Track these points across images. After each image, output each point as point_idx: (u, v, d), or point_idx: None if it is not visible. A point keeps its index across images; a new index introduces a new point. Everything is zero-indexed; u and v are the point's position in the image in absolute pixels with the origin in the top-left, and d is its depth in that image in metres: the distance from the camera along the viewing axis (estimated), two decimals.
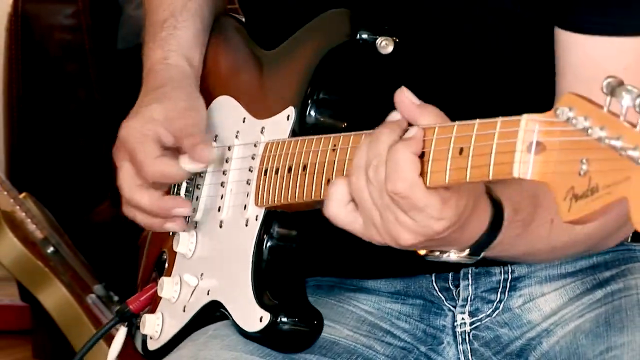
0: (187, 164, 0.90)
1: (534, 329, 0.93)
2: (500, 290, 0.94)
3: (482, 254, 0.78)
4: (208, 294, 0.93)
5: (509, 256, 0.86)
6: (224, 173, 0.94)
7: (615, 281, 0.94)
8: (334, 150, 0.79)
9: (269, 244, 0.87)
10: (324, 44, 0.87)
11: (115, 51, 2.58)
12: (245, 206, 0.90)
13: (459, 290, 0.94)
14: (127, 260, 1.45)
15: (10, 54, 2.63)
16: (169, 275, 0.99)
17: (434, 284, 0.94)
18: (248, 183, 0.90)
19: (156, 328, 0.99)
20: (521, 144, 0.62)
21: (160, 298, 0.99)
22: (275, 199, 0.85)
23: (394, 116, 0.73)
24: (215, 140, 0.97)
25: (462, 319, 0.94)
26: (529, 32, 0.90)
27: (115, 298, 2.09)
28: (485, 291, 0.94)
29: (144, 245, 1.13)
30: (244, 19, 1.07)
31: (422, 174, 0.68)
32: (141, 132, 0.93)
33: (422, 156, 0.69)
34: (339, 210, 0.74)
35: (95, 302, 2.11)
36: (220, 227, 0.93)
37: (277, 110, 0.91)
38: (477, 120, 0.68)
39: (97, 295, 2.09)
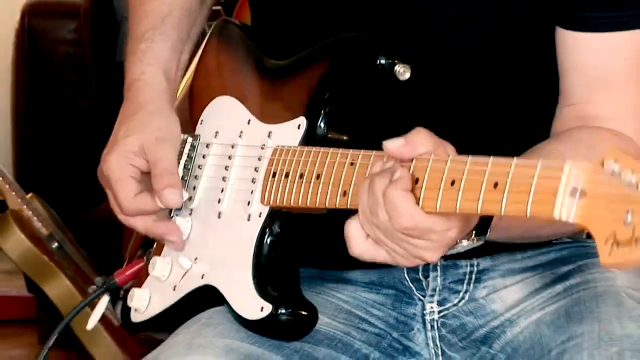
0: (161, 203, 0.94)
1: (497, 319, 0.96)
2: (466, 281, 0.97)
3: (488, 234, 0.80)
4: (202, 277, 0.94)
5: (512, 236, 0.89)
6: (225, 168, 0.95)
7: (573, 276, 0.96)
8: (352, 164, 0.80)
9: (270, 239, 0.88)
10: (343, 64, 0.88)
11: (114, 63, 2.65)
12: (249, 202, 0.91)
13: (428, 281, 0.96)
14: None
15: (17, 66, 2.70)
16: (159, 255, 1.00)
17: (406, 275, 0.97)
18: (253, 182, 0.91)
19: (143, 302, 1.01)
20: (564, 188, 0.63)
21: (148, 275, 1.00)
22: (284, 201, 0.86)
23: (390, 149, 0.74)
24: (215, 137, 0.98)
25: (431, 307, 0.97)
26: (532, 37, 0.92)
27: None
28: (452, 282, 0.97)
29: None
30: (249, 25, 1.09)
31: (418, 199, 0.71)
32: (120, 170, 0.95)
33: (418, 183, 0.72)
34: (362, 248, 0.77)
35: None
36: (219, 217, 0.95)
37: (287, 118, 0.92)
38: (515, 159, 0.68)
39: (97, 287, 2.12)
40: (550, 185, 0.63)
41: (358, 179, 0.77)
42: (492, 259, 0.96)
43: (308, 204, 0.83)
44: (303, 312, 0.85)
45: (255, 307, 0.86)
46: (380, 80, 0.85)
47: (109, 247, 2.05)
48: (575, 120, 0.91)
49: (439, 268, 0.96)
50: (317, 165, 0.82)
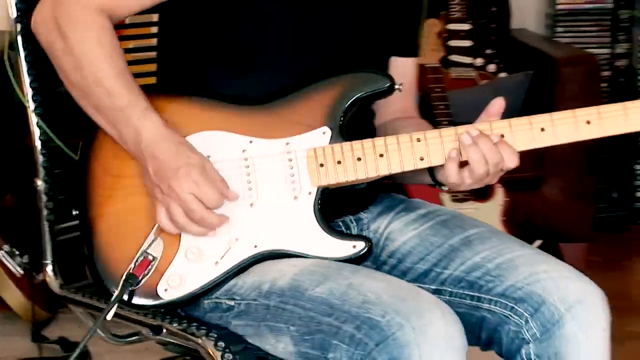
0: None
1: (380, 235, 1.43)
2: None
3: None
4: (254, 246, 1.32)
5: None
6: (247, 174, 1.33)
7: (425, 208, 1.46)
8: (419, 140, 1.33)
9: (324, 207, 1.34)
10: (367, 88, 1.36)
11: None
12: (293, 188, 1.33)
13: (359, 215, 1.47)
14: (24, 232, 2.48)
15: None
16: (177, 244, 1.32)
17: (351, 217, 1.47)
18: (292, 175, 1.34)
19: (177, 281, 1.32)
20: None
21: (170, 260, 1.32)
22: (338, 180, 1.32)
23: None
24: (209, 157, 1.33)
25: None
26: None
27: (17, 252, 2.64)
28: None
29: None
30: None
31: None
32: (189, 198, 1.28)
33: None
34: (457, 173, 1.29)
35: (4, 256, 2.65)
36: (251, 206, 1.32)
37: (306, 130, 1.35)
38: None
39: (5, 252, 2.63)
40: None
41: (434, 148, 1.34)
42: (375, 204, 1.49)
43: (357, 177, 1.34)
44: (370, 243, 1.39)
45: (347, 247, 1.34)
46: (387, 94, 1.37)
47: (13, 227, 2.67)
48: (400, 113, 1.51)
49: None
50: (375, 147, 1.33)
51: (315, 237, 1.37)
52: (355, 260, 1.37)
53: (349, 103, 1.36)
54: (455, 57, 3.28)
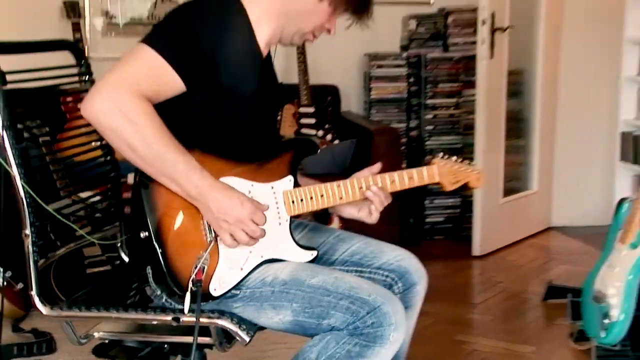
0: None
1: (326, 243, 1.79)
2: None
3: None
4: (261, 257, 1.58)
5: None
6: None
7: (301, 224, 1.81)
8: (338, 187, 1.65)
9: (292, 227, 1.61)
10: (303, 153, 1.66)
11: None
12: (279, 217, 1.60)
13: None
14: (7, 253, 2.34)
15: None
16: (216, 259, 1.53)
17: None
18: (277, 208, 1.60)
19: (220, 283, 1.53)
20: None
21: (214, 268, 1.52)
22: (305, 210, 1.62)
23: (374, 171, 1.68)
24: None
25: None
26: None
27: (1, 269, 2.73)
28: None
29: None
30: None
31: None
32: (250, 223, 1.52)
33: None
34: (359, 209, 1.71)
35: None
36: None
37: (280, 177, 1.62)
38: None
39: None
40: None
41: (353, 191, 1.66)
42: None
43: (321, 207, 1.63)
44: (318, 250, 1.67)
45: (307, 255, 1.63)
46: (314, 152, 1.66)
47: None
48: None
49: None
50: (316, 190, 1.63)
51: (292, 248, 1.62)
52: (311, 262, 1.64)
53: (300, 159, 1.66)
54: (304, 130, 3.82)
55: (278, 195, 1.61)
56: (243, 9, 1.58)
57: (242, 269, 1.55)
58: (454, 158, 1.77)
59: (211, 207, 1.46)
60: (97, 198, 1.90)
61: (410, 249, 1.83)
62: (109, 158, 1.93)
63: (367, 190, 1.62)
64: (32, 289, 1.63)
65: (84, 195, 1.91)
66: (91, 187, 1.94)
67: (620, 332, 2.45)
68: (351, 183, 1.63)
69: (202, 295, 1.49)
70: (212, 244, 1.50)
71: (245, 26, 1.56)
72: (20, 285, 2.89)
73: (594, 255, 3.62)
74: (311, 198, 1.61)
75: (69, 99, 3.01)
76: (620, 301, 2.46)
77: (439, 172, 1.72)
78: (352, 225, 3.08)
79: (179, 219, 1.49)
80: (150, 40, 1.47)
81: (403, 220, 4.00)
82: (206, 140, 1.55)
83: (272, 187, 1.61)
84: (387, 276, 1.70)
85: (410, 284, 1.70)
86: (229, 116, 1.56)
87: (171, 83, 1.46)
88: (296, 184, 1.62)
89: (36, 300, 1.63)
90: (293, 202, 1.61)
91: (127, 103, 1.41)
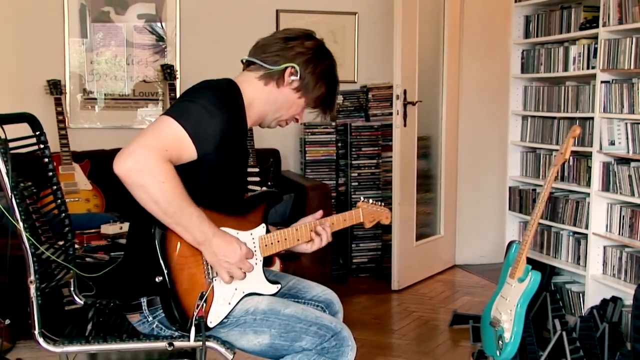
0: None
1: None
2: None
3: None
4: (243, 292, 1.73)
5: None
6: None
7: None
8: (296, 231, 1.82)
9: (263, 265, 1.75)
10: (272, 204, 1.82)
11: None
12: (255, 258, 1.74)
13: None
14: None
15: None
16: (212, 296, 1.67)
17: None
18: (254, 250, 1.75)
19: (215, 316, 1.68)
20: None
21: (211, 303, 1.66)
22: (273, 252, 1.79)
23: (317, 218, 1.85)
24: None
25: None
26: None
27: None
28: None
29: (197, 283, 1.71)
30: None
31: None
32: (242, 263, 1.68)
33: None
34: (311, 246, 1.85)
35: None
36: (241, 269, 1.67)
37: (255, 226, 1.78)
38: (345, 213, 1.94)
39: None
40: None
41: (306, 234, 1.84)
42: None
43: (287, 246, 1.81)
44: (281, 284, 1.85)
45: (274, 288, 1.82)
46: (279, 202, 1.83)
47: None
48: None
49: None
50: (281, 235, 1.82)
51: (264, 283, 1.81)
52: (276, 294, 1.82)
53: (270, 209, 1.84)
54: (251, 187, 3.93)
55: (256, 241, 1.80)
56: (240, 92, 1.74)
57: (229, 303, 1.74)
58: (371, 200, 2.05)
59: (215, 251, 1.64)
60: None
61: (340, 285, 2.09)
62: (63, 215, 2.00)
63: (319, 227, 1.85)
64: (35, 329, 1.67)
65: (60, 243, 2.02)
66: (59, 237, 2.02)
67: (512, 351, 2.68)
68: (305, 227, 1.87)
69: (206, 328, 1.72)
70: (211, 284, 1.69)
71: (242, 110, 1.73)
72: (7, 322, 2.97)
73: (490, 288, 4.18)
74: (278, 241, 1.83)
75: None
76: (511, 326, 2.67)
77: (363, 213, 2.00)
78: (290, 267, 3.46)
79: (187, 264, 1.66)
80: (175, 114, 1.61)
81: (333, 261, 4.20)
82: (210, 198, 1.69)
83: (251, 234, 1.79)
84: (317, 305, 1.94)
85: (334, 312, 1.94)
86: (227, 179, 1.71)
87: (190, 152, 1.61)
88: (267, 230, 1.83)
89: (40, 340, 1.68)
90: (266, 245, 1.82)
91: (155, 165, 1.50)
